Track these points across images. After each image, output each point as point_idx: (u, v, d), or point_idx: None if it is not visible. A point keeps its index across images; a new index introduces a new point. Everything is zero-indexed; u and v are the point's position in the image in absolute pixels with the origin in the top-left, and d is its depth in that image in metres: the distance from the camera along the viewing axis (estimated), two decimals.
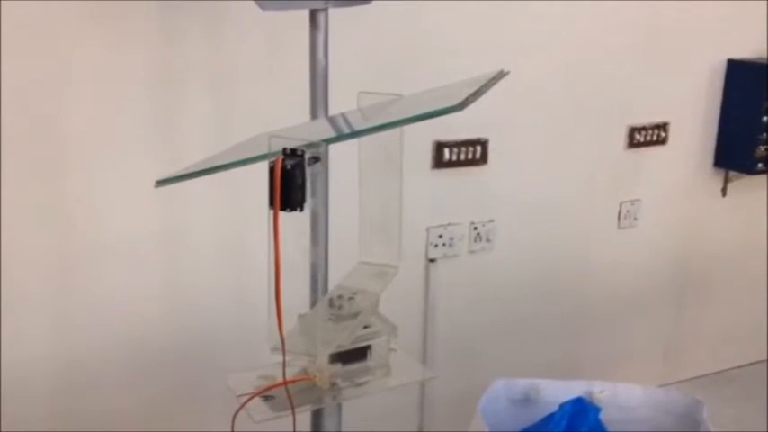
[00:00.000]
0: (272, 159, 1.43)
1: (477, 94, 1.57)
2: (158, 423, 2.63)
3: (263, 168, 1.45)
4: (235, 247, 2.63)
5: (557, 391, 2.36)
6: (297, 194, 1.44)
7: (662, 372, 3.75)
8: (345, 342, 1.76)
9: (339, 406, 1.90)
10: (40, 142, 2.32)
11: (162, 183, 1.69)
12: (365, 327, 1.83)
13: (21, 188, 2.30)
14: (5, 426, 2.41)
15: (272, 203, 1.44)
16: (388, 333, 1.85)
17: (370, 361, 1.83)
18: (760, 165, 3.45)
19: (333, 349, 1.74)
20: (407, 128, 1.62)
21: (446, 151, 2.92)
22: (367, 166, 1.87)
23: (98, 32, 2.31)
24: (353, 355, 1.81)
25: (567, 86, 3.12)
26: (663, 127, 3.39)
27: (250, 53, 2.52)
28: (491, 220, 3.10)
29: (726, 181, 3.63)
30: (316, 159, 1.48)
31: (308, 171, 1.45)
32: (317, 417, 1.90)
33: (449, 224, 3.03)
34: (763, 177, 3.60)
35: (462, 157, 2.96)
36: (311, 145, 1.47)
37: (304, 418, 1.82)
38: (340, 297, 1.83)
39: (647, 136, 3.35)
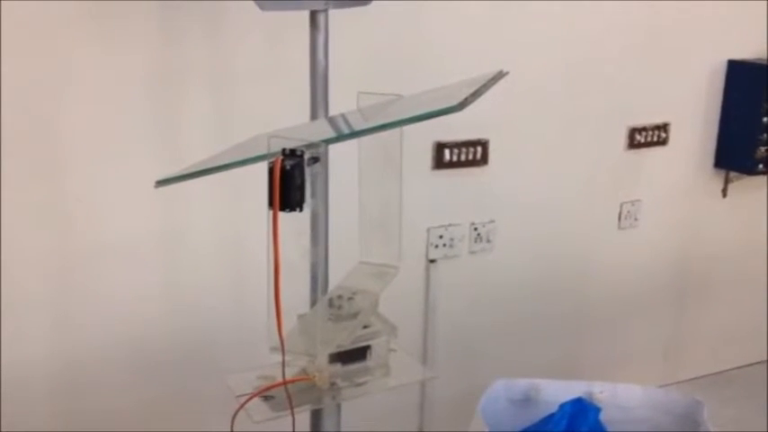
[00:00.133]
0: (272, 159, 1.43)
1: (476, 95, 1.57)
2: (158, 423, 2.63)
3: (262, 168, 1.45)
4: (234, 247, 2.63)
5: (557, 392, 2.36)
6: (296, 195, 1.44)
7: (662, 372, 3.75)
8: (345, 342, 1.76)
9: (338, 406, 1.90)
10: (40, 142, 2.32)
11: (162, 183, 1.69)
12: (365, 327, 1.83)
13: (21, 188, 2.30)
14: (5, 426, 2.41)
15: (271, 204, 1.44)
16: (387, 333, 1.85)
17: (370, 361, 1.83)
18: (760, 165, 3.45)
19: (332, 349, 1.74)
20: (408, 128, 1.62)
21: (446, 152, 2.92)
22: (367, 167, 1.87)
23: (98, 32, 2.31)
24: (353, 356, 1.81)
25: (568, 87, 3.12)
26: (663, 127, 3.39)
27: (250, 53, 2.52)
28: (491, 221, 3.10)
29: (726, 182, 3.62)
30: (315, 159, 1.48)
31: (308, 171, 1.45)
32: (316, 417, 1.90)
33: (449, 225, 3.03)
34: (763, 178, 3.60)
35: (463, 157, 2.96)
36: (311, 145, 1.47)
37: (303, 418, 1.82)
38: (340, 297, 1.83)
39: (647, 136, 3.35)
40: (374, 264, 1.94)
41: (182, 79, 2.44)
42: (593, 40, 3.12)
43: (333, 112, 1.93)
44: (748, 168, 3.48)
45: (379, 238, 1.93)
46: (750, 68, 3.41)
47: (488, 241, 3.12)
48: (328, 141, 1.61)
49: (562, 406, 2.25)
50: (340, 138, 1.65)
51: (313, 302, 1.88)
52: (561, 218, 3.28)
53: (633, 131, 3.31)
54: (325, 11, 1.88)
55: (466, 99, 1.49)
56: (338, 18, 1.95)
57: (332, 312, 1.80)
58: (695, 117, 3.48)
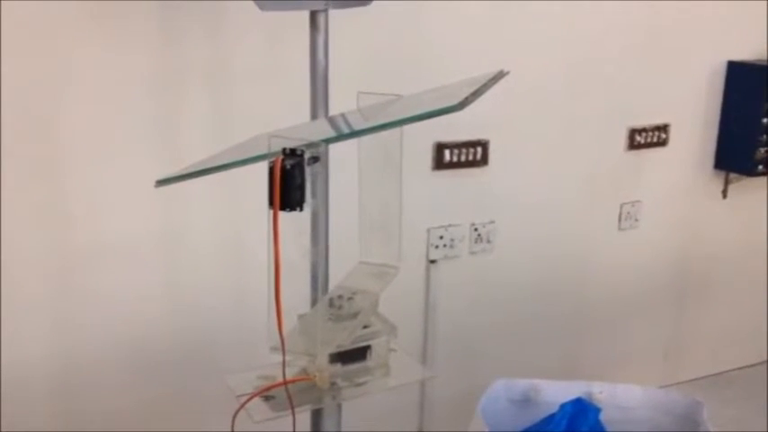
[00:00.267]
0: (272, 159, 1.43)
1: (476, 94, 1.57)
2: (158, 423, 2.63)
3: (263, 168, 1.45)
4: (235, 246, 2.63)
5: (557, 392, 2.36)
6: (296, 194, 1.44)
7: (662, 373, 3.75)
8: (345, 342, 1.76)
9: (339, 406, 1.90)
10: (40, 142, 2.32)
11: (162, 183, 1.69)
12: (365, 327, 1.83)
13: (21, 188, 2.30)
14: (5, 426, 2.41)
15: (271, 203, 1.44)
16: (387, 333, 1.85)
17: (370, 361, 1.83)
18: (760, 167, 3.45)
19: (332, 349, 1.74)
20: (408, 129, 1.62)
21: (447, 152, 2.92)
22: (367, 167, 1.87)
23: (98, 32, 2.31)
24: (353, 355, 1.81)
25: (568, 88, 3.12)
26: (663, 128, 3.39)
27: (250, 53, 2.52)
28: (492, 222, 3.10)
29: (726, 183, 3.62)
30: (315, 159, 1.49)
31: (308, 171, 1.46)
32: (316, 417, 1.90)
33: (449, 225, 3.03)
34: (763, 179, 3.60)
35: (463, 158, 2.96)
36: (311, 145, 1.47)
37: (304, 417, 1.82)
38: (340, 297, 1.84)
39: (647, 137, 3.35)
40: (374, 264, 1.95)
41: (182, 79, 2.44)
42: (594, 41, 3.12)
43: (333, 112, 1.93)
44: (748, 169, 3.48)
45: (379, 238, 1.93)
46: (750, 69, 3.41)
47: (488, 242, 3.12)
48: (328, 141, 1.61)
49: (562, 406, 2.25)
50: (340, 137, 1.65)
51: (313, 302, 1.88)
52: (561, 218, 3.28)
53: (633, 132, 3.32)
54: (325, 11, 1.88)
55: (466, 99, 1.49)
56: (338, 18, 1.95)
57: (332, 312, 1.80)
58: (695, 118, 3.49)
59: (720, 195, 3.65)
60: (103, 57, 2.33)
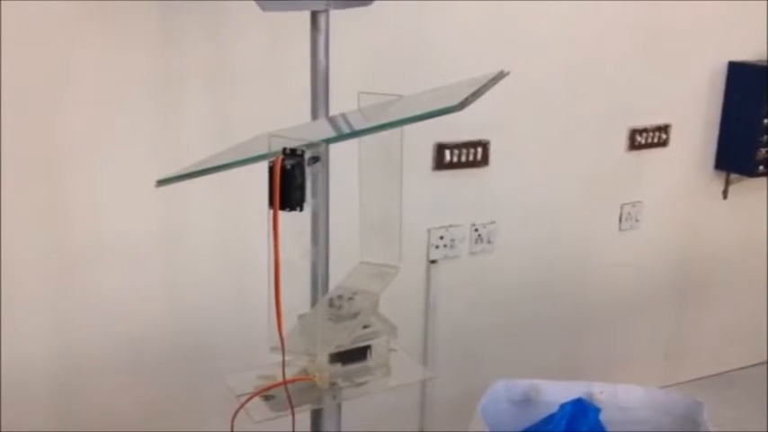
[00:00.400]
0: (272, 159, 1.43)
1: (476, 95, 1.57)
2: (158, 423, 2.63)
3: (263, 168, 1.45)
4: (235, 247, 2.63)
5: (557, 392, 2.36)
6: (296, 194, 1.44)
7: (663, 373, 3.75)
8: (345, 342, 1.76)
9: (339, 406, 1.90)
10: (40, 142, 2.32)
11: (162, 182, 1.69)
12: (365, 327, 1.83)
13: (21, 188, 2.30)
14: (5, 426, 2.41)
15: (271, 203, 1.44)
16: (387, 333, 1.85)
17: (370, 361, 1.83)
18: (761, 167, 3.45)
19: (332, 349, 1.74)
20: (408, 129, 1.62)
21: (447, 153, 2.92)
22: (367, 167, 1.87)
23: (98, 32, 2.31)
24: (353, 355, 1.80)
25: (569, 88, 3.12)
26: (664, 129, 3.39)
27: (251, 53, 2.52)
28: (492, 222, 3.10)
29: (727, 183, 3.62)
30: (315, 159, 1.49)
31: (308, 171, 1.45)
32: (316, 416, 1.90)
33: (450, 225, 3.03)
34: (764, 180, 3.60)
35: (463, 158, 2.96)
36: (311, 145, 1.47)
37: (304, 417, 1.82)
38: (340, 297, 1.84)
39: (648, 138, 3.35)
40: (374, 264, 1.95)
41: (182, 79, 2.44)
42: (594, 42, 3.12)
43: (334, 112, 1.93)
44: (749, 170, 3.48)
45: (379, 239, 1.93)
46: (751, 70, 3.41)
47: (489, 242, 3.12)
48: (329, 141, 1.61)
49: (562, 406, 2.25)
50: (340, 137, 1.65)
51: (313, 302, 1.88)
52: (562, 219, 3.28)
53: (634, 133, 3.32)
54: (326, 11, 1.88)
55: (466, 99, 1.49)
56: (339, 18, 1.95)
57: (332, 312, 1.80)
58: (696, 118, 3.49)
59: (721, 196, 3.65)
60: (103, 57, 2.33)
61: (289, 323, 1.58)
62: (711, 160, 3.58)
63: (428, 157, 2.91)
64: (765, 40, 3.48)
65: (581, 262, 3.38)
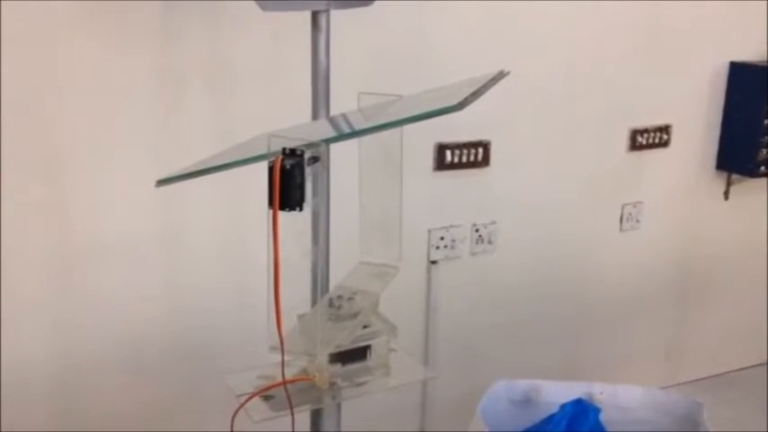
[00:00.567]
0: (272, 159, 1.43)
1: (476, 95, 1.57)
2: (158, 423, 2.63)
3: (263, 168, 1.45)
4: (235, 247, 2.63)
5: (557, 393, 2.36)
6: (296, 194, 1.44)
7: (663, 374, 3.75)
8: (345, 342, 1.76)
9: (338, 406, 1.89)
10: (40, 142, 2.32)
11: (162, 182, 1.69)
12: (365, 327, 1.83)
13: (21, 188, 2.30)
14: (5, 426, 2.41)
15: (271, 203, 1.44)
16: (387, 333, 1.85)
17: (370, 361, 1.83)
18: (762, 168, 3.45)
19: (332, 349, 1.74)
20: (409, 129, 1.62)
21: (448, 153, 2.92)
22: (367, 167, 1.87)
23: (98, 32, 2.31)
24: (353, 355, 1.80)
25: (570, 88, 3.12)
26: (665, 129, 3.39)
27: (251, 53, 2.52)
28: (493, 222, 3.10)
29: (728, 184, 3.62)
30: (315, 159, 1.49)
31: (308, 171, 1.45)
32: (316, 416, 1.90)
33: (450, 226, 3.03)
34: (765, 180, 3.60)
35: (464, 158, 2.96)
36: (311, 145, 1.47)
37: (303, 417, 1.82)
38: (340, 297, 1.83)
39: (649, 138, 3.35)
40: (374, 264, 1.94)
41: (183, 79, 2.44)
42: (595, 42, 3.12)
43: (334, 112, 1.93)
44: (750, 170, 3.48)
45: (379, 239, 1.93)
46: (752, 70, 3.40)
47: (490, 242, 3.12)
48: (328, 141, 1.61)
49: (562, 407, 2.26)
50: (340, 137, 1.65)
51: (314, 302, 1.88)
52: (563, 219, 3.28)
53: (635, 133, 3.31)
54: (327, 11, 1.88)
55: (466, 99, 1.49)
56: (340, 18, 1.95)
57: (332, 312, 1.80)
58: (697, 119, 3.48)
59: (722, 196, 3.64)
60: (103, 57, 2.33)
61: (289, 323, 1.58)
62: (712, 161, 3.58)
63: (429, 158, 2.91)
64: (766, 41, 3.48)
65: (582, 262, 3.38)
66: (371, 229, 1.93)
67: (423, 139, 2.86)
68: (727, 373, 3.94)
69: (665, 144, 3.41)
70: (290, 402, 1.66)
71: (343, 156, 1.83)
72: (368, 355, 1.83)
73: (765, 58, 3.48)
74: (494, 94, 1.79)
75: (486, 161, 3.00)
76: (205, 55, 2.46)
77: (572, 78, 3.11)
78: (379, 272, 1.92)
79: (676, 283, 3.69)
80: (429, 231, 3.00)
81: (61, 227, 2.39)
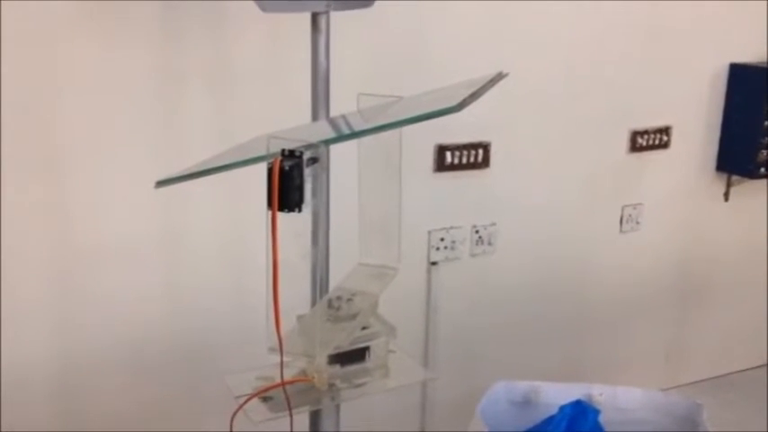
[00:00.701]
0: (271, 160, 1.43)
1: (475, 96, 1.57)
2: (158, 424, 2.63)
3: (263, 169, 1.45)
4: (235, 248, 2.63)
5: (557, 394, 2.36)
6: (295, 195, 1.44)
7: (663, 375, 3.75)
8: (344, 343, 1.76)
9: (337, 407, 1.90)
10: (40, 142, 2.32)
11: (162, 183, 1.69)
12: (364, 328, 1.83)
13: (21, 188, 2.30)
14: (5, 426, 2.41)
15: (270, 204, 1.44)
16: (386, 334, 1.85)
17: (369, 362, 1.83)
18: (762, 169, 3.45)
19: (331, 350, 1.74)
20: (409, 131, 1.62)
21: (448, 154, 2.92)
22: (367, 168, 1.87)
23: (98, 32, 2.31)
24: (352, 357, 1.81)
25: (570, 90, 3.12)
26: (665, 131, 3.38)
27: (251, 54, 2.52)
28: (493, 224, 3.10)
29: (728, 185, 3.62)
30: (314, 160, 1.49)
31: (307, 172, 1.46)
32: (315, 418, 1.90)
33: (451, 227, 3.03)
34: (765, 182, 3.60)
35: (464, 160, 2.96)
36: (310, 146, 1.47)
37: (302, 418, 1.82)
38: (339, 298, 1.84)
39: (649, 140, 3.35)
40: (373, 265, 1.95)
41: (183, 80, 2.44)
42: (595, 44, 3.12)
43: (335, 113, 1.93)
44: (750, 172, 3.48)
45: (378, 240, 1.94)
46: (752, 72, 3.40)
47: (490, 244, 3.12)
48: (327, 142, 1.61)
49: (562, 408, 2.26)
50: (339, 138, 1.65)
51: (313, 303, 1.88)
52: (563, 221, 3.28)
53: (635, 134, 3.31)
54: (327, 13, 1.88)
55: (464, 100, 1.50)
56: (340, 19, 1.95)
57: (331, 313, 1.80)
58: (697, 120, 3.48)
59: (722, 198, 3.64)
60: (103, 56, 2.33)
61: (288, 324, 1.58)
62: (712, 162, 3.58)
63: (429, 159, 2.91)
64: (766, 42, 3.48)
65: (582, 264, 3.38)
66: (371, 230, 1.93)
67: (423, 141, 2.86)
68: (728, 374, 3.93)
69: (665, 145, 3.40)
70: (288, 403, 1.67)
71: (342, 157, 1.83)
72: (367, 357, 1.83)
73: (765, 60, 3.48)
74: (494, 96, 1.79)
75: (486, 162, 3.00)
76: (205, 55, 2.46)
77: (572, 80, 3.11)
78: (378, 273, 1.93)
79: (676, 285, 3.68)
80: (429, 233, 3.00)
81: (61, 227, 2.39)
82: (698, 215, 3.63)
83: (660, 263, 3.60)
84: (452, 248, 3.04)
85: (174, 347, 2.61)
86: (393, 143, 1.79)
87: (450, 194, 2.99)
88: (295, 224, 1.50)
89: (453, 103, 1.48)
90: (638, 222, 3.45)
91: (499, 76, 1.79)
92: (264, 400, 1.75)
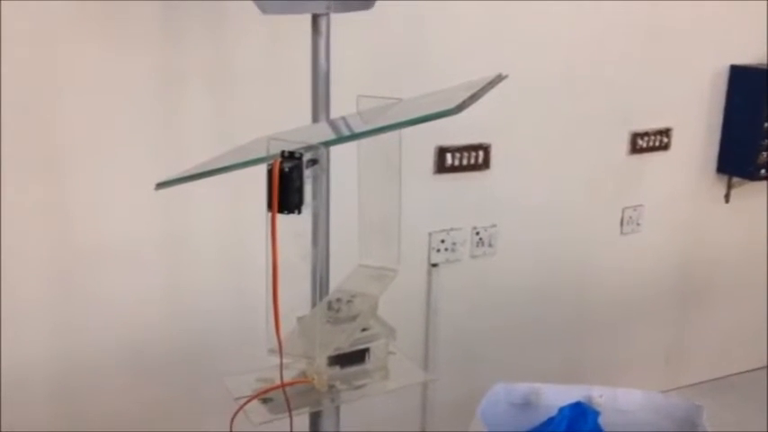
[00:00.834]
0: (271, 162, 1.43)
1: (474, 98, 1.57)
2: (158, 425, 2.63)
3: (264, 171, 1.45)
4: (235, 249, 2.63)
5: (557, 396, 2.36)
6: (295, 197, 1.44)
7: (664, 377, 3.75)
8: (344, 345, 1.76)
9: (337, 408, 1.89)
10: (40, 142, 2.32)
11: (162, 185, 1.69)
12: (364, 330, 1.83)
13: (21, 189, 2.30)
14: (5, 427, 2.41)
15: (270, 206, 1.44)
16: (386, 336, 1.85)
17: (369, 364, 1.83)
18: (763, 171, 3.45)
19: (331, 352, 1.74)
20: (409, 132, 1.62)
21: (448, 156, 2.92)
22: (366, 170, 1.87)
23: (98, 33, 2.32)
24: (352, 358, 1.81)
25: (570, 92, 3.12)
26: (665, 132, 3.39)
27: (252, 56, 2.52)
28: (493, 225, 3.10)
29: (729, 187, 3.62)
30: (314, 162, 1.49)
31: (307, 173, 1.46)
32: (315, 419, 1.90)
33: (451, 229, 3.03)
34: (765, 183, 3.60)
35: (465, 161, 2.96)
36: (310, 147, 1.47)
37: (302, 420, 1.82)
38: (339, 300, 1.84)
39: (649, 141, 3.35)
40: (374, 267, 1.95)
41: (183, 80, 2.45)
42: (596, 46, 3.12)
43: (335, 114, 1.93)
44: (750, 174, 3.48)
45: (378, 241, 1.94)
46: (752, 74, 3.40)
47: (490, 245, 3.12)
48: (327, 144, 1.61)
49: (561, 410, 2.26)
50: (339, 140, 1.65)
51: (313, 305, 1.88)
52: (563, 222, 3.28)
53: (635, 136, 3.31)
54: (327, 14, 1.88)
55: (464, 102, 1.50)
56: (340, 21, 1.95)
57: (331, 315, 1.80)
58: (697, 122, 3.48)
59: (723, 200, 3.64)
60: (104, 57, 2.33)
61: (288, 326, 1.58)
62: (713, 164, 3.58)
63: (429, 161, 2.91)
64: (766, 44, 3.48)
65: (582, 265, 3.38)
66: (371, 231, 1.93)
67: (423, 142, 2.86)
68: (728, 376, 3.93)
69: (665, 147, 3.40)
70: (288, 405, 1.67)
71: (343, 158, 1.83)
72: (366, 358, 1.83)
73: (766, 62, 3.48)
74: (494, 98, 1.79)
75: (486, 164, 3.00)
76: (205, 56, 2.46)
77: (572, 81, 3.11)
78: (378, 275, 1.93)
79: (677, 287, 3.68)
80: (429, 234, 3.00)
81: (61, 227, 2.39)
82: (698, 217, 3.63)
83: (660, 265, 3.60)
84: (453, 250, 3.05)
85: (174, 349, 2.61)
86: (393, 145, 1.79)
87: (450, 196, 2.99)
88: (295, 226, 1.50)
89: (452, 105, 1.48)
90: (638, 224, 3.45)
91: (499, 78, 1.79)
92: (264, 401, 1.75)
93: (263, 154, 1.50)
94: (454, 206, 3.02)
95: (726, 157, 3.54)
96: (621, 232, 3.44)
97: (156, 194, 1.74)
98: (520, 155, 3.08)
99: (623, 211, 3.41)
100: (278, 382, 1.67)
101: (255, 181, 1.58)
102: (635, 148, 3.33)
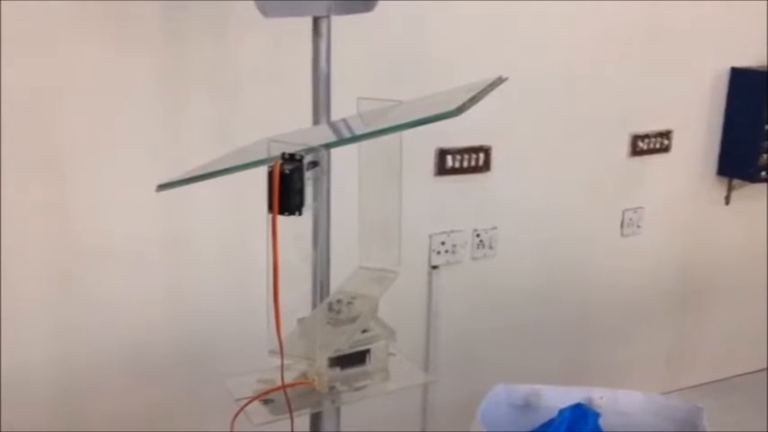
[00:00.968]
0: (271, 164, 1.44)
1: (474, 100, 1.57)
2: (159, 426, 2.63)
3: (264, 172, 1.46)
4: (236, 251, 2.63)
5: (557, 397, 2.36)
6: (295, 198, 1.45)
7: (664, 379, 3.75)
8: (344, 346, 1.76)
9: (338, 410, 1.90)
10: (40, 142, 2.32)
11: (163, 187, 1.69)
12: (364, 331, 1.83)
13: (21, 189, 2.30)
14: (5, 428, 2.41)
15: (270, 208, 1.44)
16: (386, 337, 1.85)
17: (369, 365, 1.83)
18: (763, 173, 3.45)
19: (331, 353, 1.74)
20: (410, 135, 1.62)
21: (449, 158, 2.92)
22: (367, 172, 1.87)
23: (99, 33, 2.32)
24: (352, 360, 1.81)
25: (571, 94, 3.12)
26: (666, 135, 3.39)
27: (253, 58, 2.52)
28: (494, 227, 3.11)
29: (729, 189, 3.62)
30: (315, 164, 1.49)
31: (307, 175, 1.46)
32: (315, 420, 1.90)
33: (452, 231, 3.03)
34: (766, 185, 3.59)
35: (465, 164, 2.96)
36: (310, 149, 1.47)
37: (303, 421, 1.82)
38: (339, 301, 1.84)
39: (650, 143, 3.35)
40: (374, 268, 1.95)
41: (185, 83, 2.45)
42: (597, 49, 3.12)
43: (336, 116, 1.94)
44: (751, 176, 3.48)
45: (378, 243, 1.94)
46: (753, 76, 3.41)
47: (491, 247, 3.12)
48: (328, 146, 1.61)
49: (561, 411, 2.26)
50: (339, 142, 1.65)
51: (314, 306, 1.88)
52: (564, 224, 3.28)
53: (636, 138, 3.32)
54: (328, 17, 1.88)
55: (464, 104, 1.50)
56: (341, 23, 1.95)
57: (331, 316, 1.80)
58: (698, 124, 3.49)
59: (723, 202, 3.65)
60: (104, 57, 2.33)
61: (288, 327, 1.58)
62: (713, 166, 3.58)
63: (430, 163, 2.92)
64: (766, 46, 3.48)
65: (582, 267, 3.38)
66: (371, 233, 1.93)
67: (424, 145, 2.86)
68: (729, 378, 3.93)
69: (665, 149, 3.41)
70: (289, 406, 1.67)
71: (343, 160, 1.83)
72: (367, 360, 1.83)
73: (766, 64, 3.48)
74: (495, 100, 1.79)
75: (486, 166, 3.00)
76: (206, 58, 2.46)
77: (572, 82, 3.11)
78: (378, 276, 1.93)
79: (677, 289, 3.68)
80: (430, 236, 3.00)
81: (61, 228, 2.40)
82: (699, 219, 3.63)
83: (661, 266, 3.60)
84: (453, 252, 3.05)
85: (174, 349, 2.61)
86: (393, 147, 1.79)
87: (451, 198, 3.00)
88: (295, 227, 1.51)
89: (452, 107, 1.49)
90: (638, 226, 3.45)
91: (499, 81, 1.79)
92: (265, 402, 1.75)
93: (263, 156, 1.50)
94: (455, 208, 3.02)
95: (726, 159, 3.54)
96: (622, 234, 3.44)
97: (156, 195, 1.75)
98: (520, 157, 3.08)
99: (624, 213, 3.42)
100: (279, 383, 1.67)
101: (256, 183, 1.58)
102: (635, 150, 3.33)
